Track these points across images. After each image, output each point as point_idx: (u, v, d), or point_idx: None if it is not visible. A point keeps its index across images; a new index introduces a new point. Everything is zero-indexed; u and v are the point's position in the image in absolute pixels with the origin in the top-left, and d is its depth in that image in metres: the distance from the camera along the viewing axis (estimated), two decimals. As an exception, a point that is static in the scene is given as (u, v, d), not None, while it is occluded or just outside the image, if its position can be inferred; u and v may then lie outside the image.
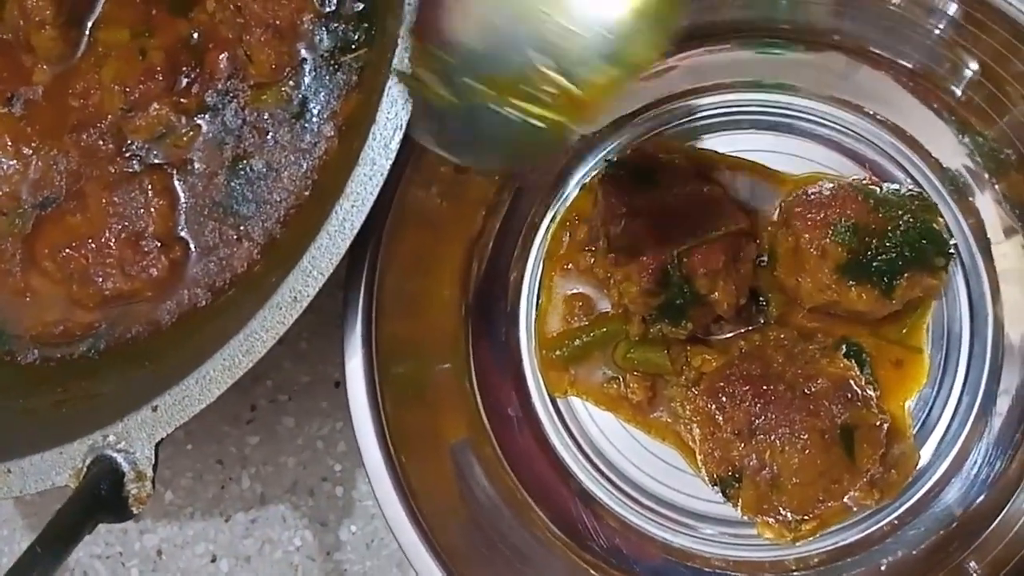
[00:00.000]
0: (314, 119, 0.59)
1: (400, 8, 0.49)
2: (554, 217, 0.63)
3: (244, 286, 0.59)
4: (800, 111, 0.62)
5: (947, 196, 0.61)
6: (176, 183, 0.60)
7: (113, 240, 0.58)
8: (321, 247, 0.49)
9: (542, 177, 0.63)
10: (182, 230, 0.59)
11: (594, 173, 0.62)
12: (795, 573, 0.59)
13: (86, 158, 0.60)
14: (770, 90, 0.62)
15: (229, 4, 0.58)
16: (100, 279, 0.59)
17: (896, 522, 0.59)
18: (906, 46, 0.58)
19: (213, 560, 0.66)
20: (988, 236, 0.60)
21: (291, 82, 0.59)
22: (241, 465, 0.66)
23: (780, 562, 0.60)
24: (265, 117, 0.59)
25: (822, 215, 0.56)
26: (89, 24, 0.61)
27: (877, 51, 0.59)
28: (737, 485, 0.55)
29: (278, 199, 0.59)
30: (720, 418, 0.55)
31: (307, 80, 0.59)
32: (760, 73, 0.62)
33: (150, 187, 0.59)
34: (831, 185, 0.58)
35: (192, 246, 0.59)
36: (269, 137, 0.59)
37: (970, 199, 0.61)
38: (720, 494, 0.56)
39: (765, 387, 0.54)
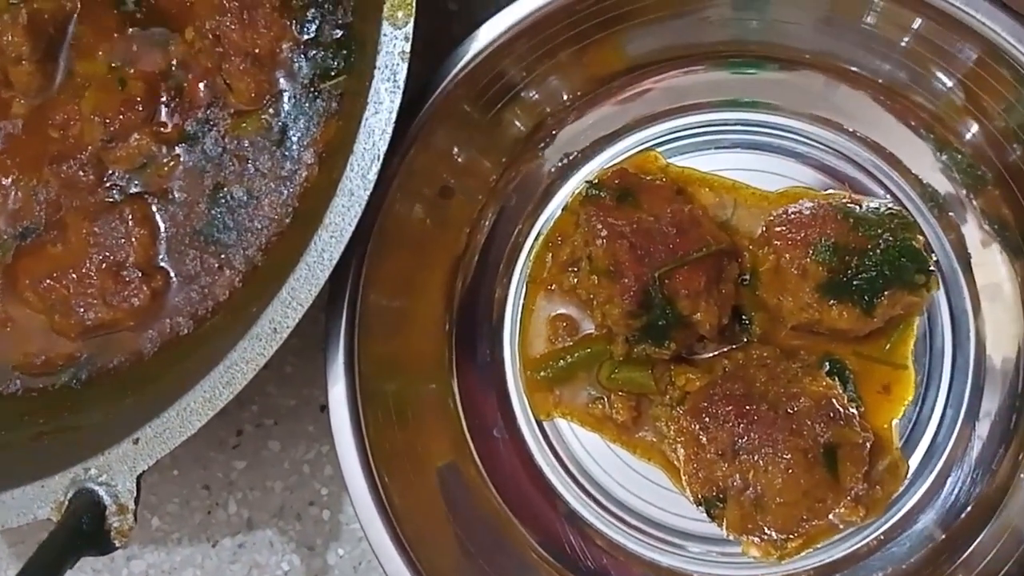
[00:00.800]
0: (294, 146, 0.59)
1: (378, 35, 0.49)
2: (537, 237, 0.63)
3: (226, 313, 0.59)
4: (779, 129, 0.63)
5: (927, 212, 0.61)
6: (156, 212, 0.60)
7: (94, 270, 0.59)
8: (300, 278, 0.50)
9: (524, 198, 0.63)
10: (163, 259, 0.60)
11: (575, 194, 0.62)
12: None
13: (66, 188, 0.60)
14: (748, 109, 0.62)
15: (208, 33, 0.59)
16: (82, 309, 0.59)
17: (882, 537, 0.59)
18: (882, 64, 0.59)
19: (201, 586, 0.66)
20: (968, 251, 0.61)
21: (271, 110, 0.59)
22: (227, 490, 0.66)
23: (767, 580, 0.60)
24: (245, 145, 0.60)
25: (802, 235, 0.56)
26: (63, 57, 0.61)
27: (854, 69, 0.60)
28: (721, 505, 0.55)
29: (259, 227, 0.59)
30: (704, 438, 0.55)
31: (287, 108, 0.60)
32: (736, 92, 0.62)
33: (131, 216, 0.59)
34: (811, 204, 0.58)
35: (173, 275, 0.59)
36: (249, 165, 0.59)
37: (950, 215, 0.61)
38: (705, 514, 0.56)
39: (748, 407, 0.54)
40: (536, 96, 0.61)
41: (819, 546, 0.58)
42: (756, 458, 0.54)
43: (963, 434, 0.59)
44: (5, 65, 0.59)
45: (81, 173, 0.60)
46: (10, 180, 0.61)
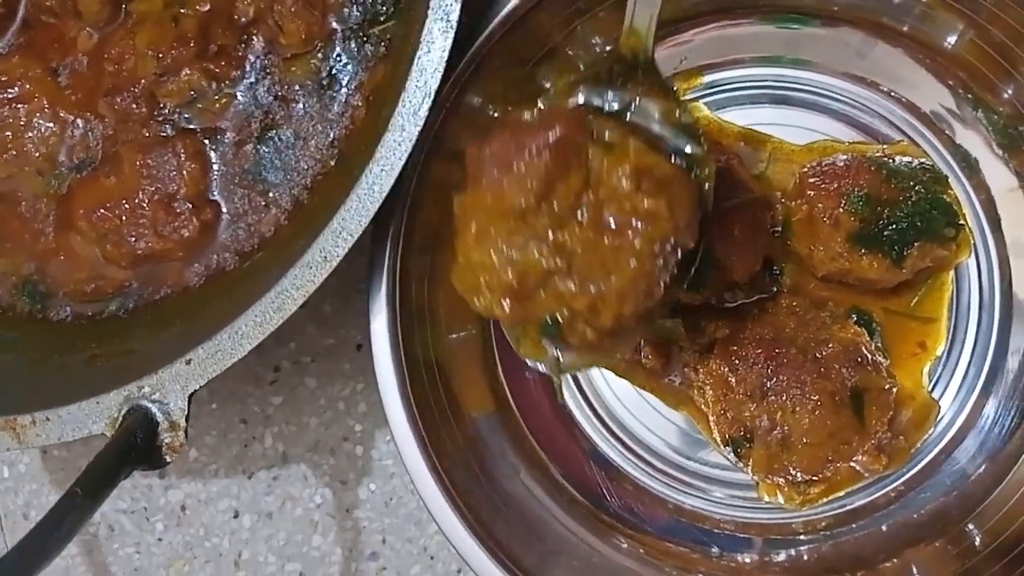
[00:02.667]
0: (342, 90, 0.61)
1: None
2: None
3: (271, 249, 0.61)
4: (816, 86, 0.63)
5: (959, 172, 0.62)
6: (208, 148, 0.61)
7: (146, 201, 0.60)
8: (351, 209, 0.51)
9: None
10: (214, 193, 0.61)
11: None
12: (802, 536, 0.61)
13: (121, 122, 0.62)
14: (786, 65, 0.63)
15: None
16: (133, 238, 0.60)
17: (903, 487, 0.61)
18: (920, 21, 0.59)
19: (236, 516, 0.68)
20: (999, 212, 0.62)
21: (320, 54, 0.61)
22: (264, 424, 0.68)
23: (787, 525, 0.61)
24: (295, 88, 0.61)
25: (835, 185, 0.57)
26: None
27: (893, 25, 0.60)
28: (748, 445, 0.56)
29: (305, 167, 0.61)
30: (733, 380, 0.56)
31: (336, 51, 0.61)
32: (777, 48, 0.63)
33: (183, 151, 0.61)
34: (845, 157, 0.59)
35: (224, 209, 0.61)
36: (298, 107, 0.61)
37: (981, 175, 0.62)
38: (732, 455, 0.57)
39: (777, 350, 0.56)
40: (574, 50, 0.62)
41: (841, 494, 0.60)
42: (784, 399, 0.55)
43: (990, 379, 0.61)
44: (75, -1, 0.61)
45: (134, 105, 0.61)
46: (71, 115, 0.62)
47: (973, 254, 0.61)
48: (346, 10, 0.61)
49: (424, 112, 0.50)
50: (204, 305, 0.60)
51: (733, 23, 0.62)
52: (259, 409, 0.68)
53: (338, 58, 0.61)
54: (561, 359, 0.49)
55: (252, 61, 0.61)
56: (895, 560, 0.59)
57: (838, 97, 0.63)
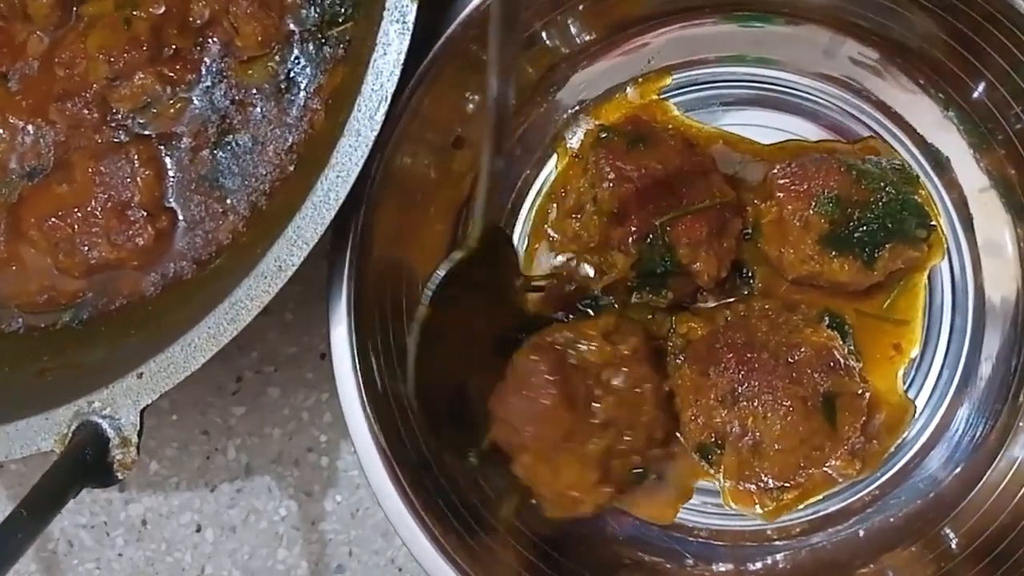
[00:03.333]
0: (300, 93, 0.59)
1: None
2: (541, 188, 0.63)
3: (229, 256, 0.59)
4: (784, 86, 0.62)
5: (931, 171, 0.61)
6: (163, 154, 0.60)
7: (99, 209, 0.59)
8: (306, 217, 0.50)
9: (530, 148, 0.63)
10: (169, 201, 0.60)
11: (583, 137, 0.62)
12: (776, 542, 0.60)
13: (72, 128, 0.60)
14: (754, 64, 0.62)
15: None
16: (86, 248, 0.59)
17: (877, 492, 0.60)
18: (891, 19, 0.58)
19: (198, 530, 0.66)
20: (970, 212, 0.61)
21: (277, 57, 0.59)
22: (227, 436, 0.67)
23: (762, 531, 0.60)
24: (252, 92, 0.60)
25: (805, 187, 0.57)
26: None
27: (862, 24, 0.59)
28: (719, 452, 0.55)
29: (263, 172, 0.59)
30: (704, 385, 0.55)
31: (294, 54, 0.59)
32: (744, 47, 0.62)
33: (136, 157, 0.59)
34: (815, 158, 0.58)
35: (180, 216, 0.59)
36: (255, 111, 0.59)
37: (952, 175, 0.61)
38: (703, 461, 0.56)
39: (749, 355, 0.55)
40: (547, 42, 0.61)
41: (815, 500, 0.59)
42: (755, 405, 0.54)
43: (962, 384, 0.60)
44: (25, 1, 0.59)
45: (86, 111, 0.60)
46: (21, 121, 0.60)
47: (945, 255, 0.60)
48: (303, 11, 0.59)
49: (380, 116, 0.49)
50: (162, 315, 0.59)
51: (695, 23, 0.61)
52: (221, 420, 0.67)
53: (296, 61, 0.59)
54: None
55: (208, 64, 0.60)
56: (872, 566, 0.58)
57: (807, 96, 0.62)
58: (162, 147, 0.60)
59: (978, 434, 0.59)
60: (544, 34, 0.60)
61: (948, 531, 0.57)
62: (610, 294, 0.59)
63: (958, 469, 0.59)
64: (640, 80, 0.63)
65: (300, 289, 0.66)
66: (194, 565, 0.66)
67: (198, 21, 0.60)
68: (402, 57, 0.49)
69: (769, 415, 0.54)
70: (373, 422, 0.54)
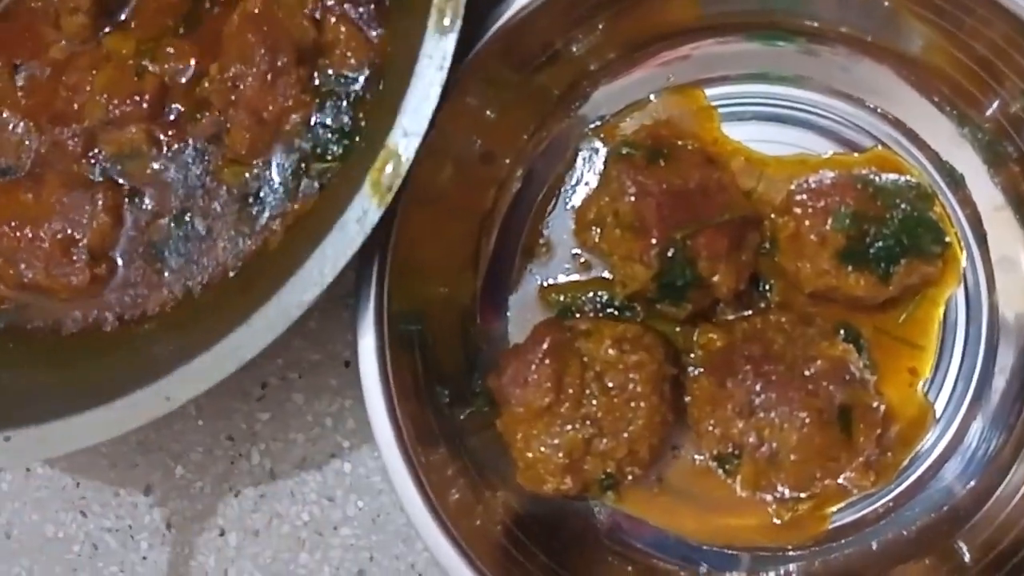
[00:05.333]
0: (265, 212, 0.60)
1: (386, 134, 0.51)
2: (561, 201, 0.64)
3: (155, 327, 0.60)
4: (802, 103, 0.63)
5: (945, 188, 0.62)
6: (126, 209, 0.61)
7: (48, 236, 0.60)
8: (230, 344, 0.51)
9: (553, 161, 0.65)
10: (115, 253, 0.61)
11: (606, 153, 0.63)
12: (790, 552, 0.61)
13: (55, 148, 0.62)
14: (774, 82, 0.63)
15: (228, 78, 0.59)
16: (23, 266, 0.60)
17: (891, 504, 0.60)
18: (905, 38, 0.60)
19: (221, 534, 0.67)
20: (984, 227, 0.62)
21: (256, 171, 0.60)
22: (251, 441, 0.67)
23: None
24: (223, 189, 0.61)
25: (822, 203, 0.58)
26: (120, 17, 0.62)
27: (878, 43, 0.61)
28: (736, 462, 0.56)
29: (206, 264, 0.61)
30: (721, 396, 0.56)
31: (272, 174, 0.60)
32: (765, 65, 0.63)
33: (102, 200, 0.60)
34: (832, 174, 0.59)
35: (119, 271, 0.61)
36: (217, 207, 0.61)
37: (967, 191, 0.62)
38: (720, 471, 0.57)
39: (766, 367, 0.56)
40: (569, 58, 0.62)
41: (831, 510, 0.60)
42: (772, 416, 0.55)
43: (976, 398, 0.60)
44: (60, 10, 0.61)
45: (71, 140, 0.61)
46: (15, 117, 0.62)
47: (961, 281, 0.61)
48: (297, 141, 0.60)
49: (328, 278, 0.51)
50: (74, 360, 0.60)
51: (719, 41, 0.63)
52: (246, 425, 0.68)
53: (270, 182, 0.60)
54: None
55: (195, 142, 0.61)
56: (885, 577, 0.59)
57: (824, 113, 0.63)
58: (128, 200, 0.61)
59: (992, 447, 0.59)
60: (565, 51, 0.62)
61: (962, 544, 0.58)
62: (634, 303, 0.60)
63: (972, 482, 0.59)
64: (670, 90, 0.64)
65: (324, 297, 0.67)
66: (217, 569, 0.67)
67: (202, 97, 0.61)
68: (357, 243, 0.51)
69: (786, 426, 0.55)
70: (399, 428, 0.55)
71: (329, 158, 0.60)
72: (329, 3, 0.60)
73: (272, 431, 0.67)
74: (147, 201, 0.61)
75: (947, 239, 0.58)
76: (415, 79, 0.50)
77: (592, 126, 0.65)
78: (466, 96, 0.58)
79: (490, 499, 0.59)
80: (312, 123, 0.60)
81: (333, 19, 0.60)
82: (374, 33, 0.60)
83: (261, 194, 0.60)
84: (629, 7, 0.60)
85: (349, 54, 0.60)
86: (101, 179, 0.61)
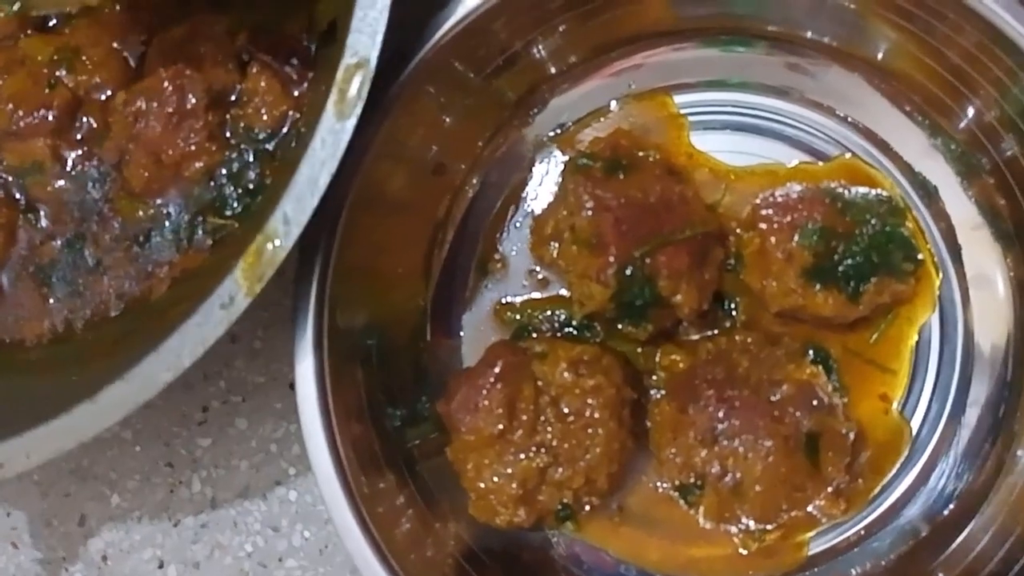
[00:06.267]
0: (152, 256, 0.57)
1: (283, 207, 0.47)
2: (518, 211, 0.61)
3: (40, 353, 0.58)
4: (767, 111, 0.61)
5: (917, 200, 0.59)
6: (20, 227, 0.58)
7: None
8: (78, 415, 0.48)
9: (509, 169, 0.62)
10: (2, 272, 0.58)
11: (564, 163, 0.60)
12: (759, 582, 0.58)
13: None
14: (737, 89, 0.61)
15: (132, 112, 0.56)
16: None
17: (863, 532, 0.58)
18: (876, 45, 0.57)
19: (160, 566, 0.64)
20: (959, 242, 0.59)
21: (152, 211, 0.57)
22: (191, 468, 0.64)
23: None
24: (117, 220, 0.58)
25: (788, 218, 0.55)
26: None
27: (846, 49, 0.58)
28: (699, 492, 0.54)
29: (89, 298, 0.58)
30: (683, 422, 0.54)
31: (165, 224, 0.57)
32: (725, 72, 0.60)
33: None
34: (799, 188, 0.57)
35: (5, 289, 0.58)
36: (108, 239, 0.57)
37: (940, 204, 0.59)
38: (681, 501, 0.55)
39: (729, 392, 0.53)
40: (527, 62, 0.59)
41: (807, 537, 0.57)
42: (736, 444, 0.52)
43: (948, 428, 0.58)
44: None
45: None
46: None
47: (936, 306, 0.58)
48: (196, 190, 0.57)
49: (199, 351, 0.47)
50: None
51: (678, 47, 0.60)
52: (186, 451, 0.64)
53: (162, 227, 0.57)
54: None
55: (99, 164, 0.58)
56: (863, 609, 0.56)
57: (791, 123, 0.60)
58: (23, 217, 0.58)
59: (965, 479, 0.57)
60: (524, 54, 0.59)
61: (940, 574, 0.55)
62: (594, 323, 0.58)
63: (946, 512, 0.57)
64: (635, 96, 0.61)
65: (268, 315, 0.64)
66: (155, 603, 0.64)
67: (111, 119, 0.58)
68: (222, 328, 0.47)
69: (750, 455, 0.52)
70: (339, 455, 0.52)
71: (228, 214, 0.56)
72: (258, 49, 0.57)
73: (214, 457, 0.64)
74: (43, 220, 0.58)
75: (919, 256, 0.56)
76: (304, 163, 0.46)
77: (550, 134, 0.62)
78: (416, 99, 0.55)
79: (440, 531, 0.56)
80: (215, 174, 0.56)
81: (256, 67, 0.56)
82: (297, 91, 0.56)
83: (152, 237, 0.57)
84: (595, 10, 0.57)
85: (264, 110, 0.56)
86: (0, 193, 0.58)
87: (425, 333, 0.61)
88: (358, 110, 0.46)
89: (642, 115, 0.61)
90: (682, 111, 0.61)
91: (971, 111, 0.56)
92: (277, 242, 0.46)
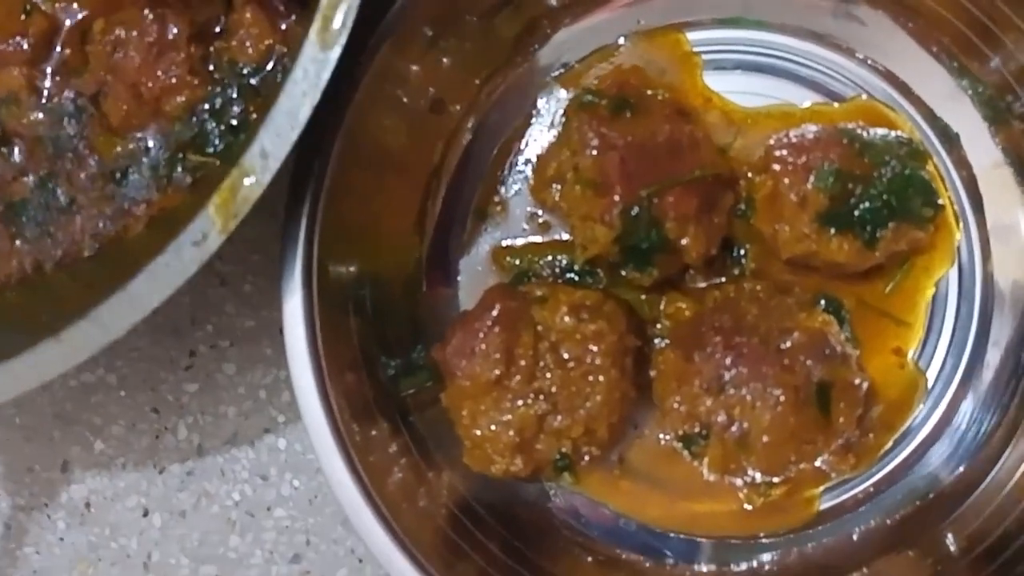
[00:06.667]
0: (129, 194, 0.54)
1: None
2: (519, 155, 0.59)
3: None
4: (785, 51, 0.58)
5: (939, 146, 0.57)
6: None
7: None
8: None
9: (509, 112, 0.59)
10: None
11: (568, 101, 0.57)
12: (764, 540, 0.56)
13: None
14: (749, 27, 0.58)
15: (110, 41, 0.53)
16: None
17: (872, 489, 0.56)
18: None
19: (145, 514, 0.62)
20: (980, 191, 0.57)
21: (131, 146, 0.54)
22: (178, 414, 0.62)
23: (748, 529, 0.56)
24: (92, 160, 0.55)
25: (803, 159, 0.52)
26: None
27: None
28: (703, 443, 0.52)
29: (60, 239, 0.55)
30: (688, 371, 0.51)
31: (143, 155, 0.54)
32: (740, 9, 0.58)
33: None
34: (815, 128, 0.54)
35: None
36: (84, 177, 0.55)
37: (963, 151, 0.57)
38: (685, 452, 0.53)
39: (737, 339, 0.51)
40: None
41: (818, 492, 0.55)
42: (743, 393, 0.50)
43: (967, 375, 0.56)
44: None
45: None
46: None
47: (955, 261, 0.56)
48: (177, 126, 0.54)
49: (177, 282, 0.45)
50: None
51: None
52: (172, 397, 0.62)
53: (141, 165, 0.54)
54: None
55: (75, 98, 0.55)
56: (865, 569, 0.54)
57: (808, 64, 0.58)
58: None
59: (983, 430, 0.55)
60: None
61: (948, 534, 0.53)
62: (596, 268, 0.55)
63: (960, 468, 0.55)
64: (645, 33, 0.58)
65: (259, 259, 0.62)
66: (140, 552, 0.62)
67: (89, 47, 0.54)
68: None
69: (758, 404, 0.50)
70: (329, 401, 0.50)
71: (209, 152, 0.53)
72: None
73: (201, 404, 0.62)
74: (16, 154, 0.55)
75: (940, 201, 0.53)
76: (283, 95, 0.44)
77: (554, 73, 0.59)
78: (409, 34, 0.52)
79: (434, 481, 0.54)
80: (197, 109, 0.53)
81: None
82: (285, 24, 0.53)
83: (129, 174, 0.54)
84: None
85: (249, 43, 0.53)
86: None
87: (421, 282, 0.58)
88: (342, 40, 0.44)
89: (652, 53, 0.58)
90: (699, 49, 0.58)
91: (1001, 53, 0.54)
92: (254, 177, 0.44)
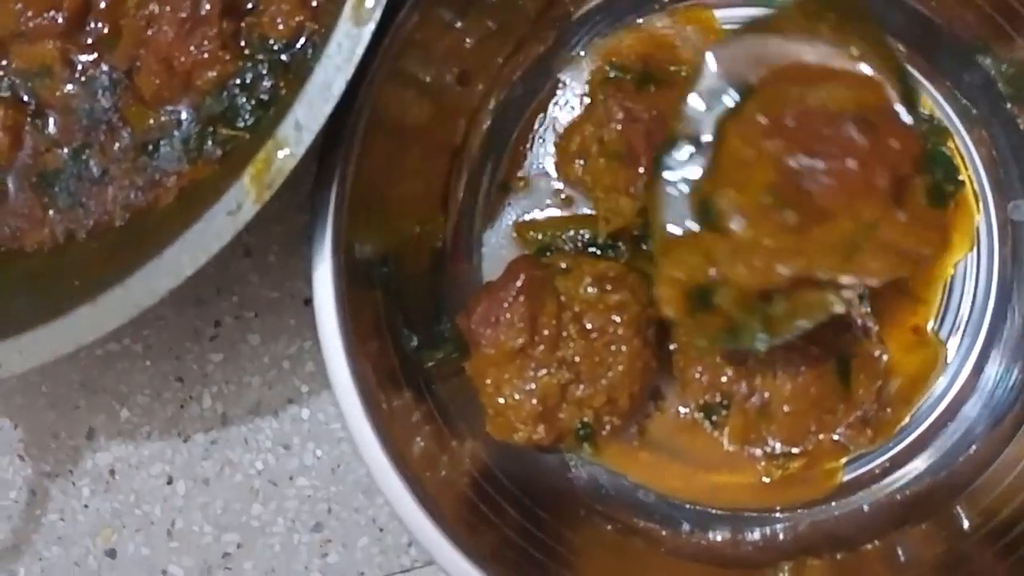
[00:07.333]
0: (160, 166, 0.55)
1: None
2: (542, 131, 0.59)
3: (27, 263, 0.56)
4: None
5: (959, 125, 0.57)
6: (26, 131, 0.55)
7: None
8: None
9: (532, 87, 0.59)
10: (5, 178, 0.55)
11: (592, 75, 0.58)
12: (776, 512, 0.57)
13: None
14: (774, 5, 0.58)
15: (144, 16, 0.53)
16: None
17: (888, 464, 0.56)
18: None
19: (169, 482, 0.63)
20: (999, 169, 0.57)
21: (163, 119, 0.55)
22: (202, 383, 0.63)
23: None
24: (126, 130, 0.55)
25: (826, 133, 0.53)
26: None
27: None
28: (724, 412, 0.52)
29: (92, 209, 0.55)
30: (710, 343, 0.52)
31: (174, 128, 0.55)
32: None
33: (2, 117, 0.54)
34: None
35: (8, 196, 0.55)
36: (116, 148, 0.55)
37: (982, 130, 0.57)
38: (706, 422, 0.53)
39: (759, 310, 0.51)
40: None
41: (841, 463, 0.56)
42: (765, 363, 0.51)
43: (980, 359, 0.56)
44: None
45: None
46: None
47: (975, 244, 0.57)
48: (208, 100, 0.54)
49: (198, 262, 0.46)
50: None
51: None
52: (197, 367, 0.63)
53: (172, 137, 0.54)
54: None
55: (110, 71, 0.55)
56: (877, 542, 0.55)
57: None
58: (30, 121, 0.55)
59: (1009, 386, 0.55)
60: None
61: (960, 510, 0.54)
62: (619, 242, 0.56)
63: (973, 446, 0.55)
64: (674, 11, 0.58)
65: (282, 230, 0.62)
66: (164, 519, 0.63)
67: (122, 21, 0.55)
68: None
69: (780, 374, 0.51)
70: (358, 369, 0.51)
71: (240, 126, 0.54)
72: None
73: (225, 373, 0.63)
74: (51, 126, 0.55)
75: (960, 177, 0.53)
76: (318, 68, 0.44)
77: (578, 49, 0.59)
78: (433, 8, 0.52)
79: (457, 449, 0.55)
80: (228, 84, 0.54)
81: None
82: (315, 1, 0.53)
83: (161, 146, 0.54)
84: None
85: (280, 19, 0.53)
86: (7, 94, 0.55)
87: (444, 257, 0.59)
88: (377, 15, 0.44)
89: (680, 30, 0.59)
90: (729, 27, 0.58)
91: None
92: (288, 150, 0.45)
